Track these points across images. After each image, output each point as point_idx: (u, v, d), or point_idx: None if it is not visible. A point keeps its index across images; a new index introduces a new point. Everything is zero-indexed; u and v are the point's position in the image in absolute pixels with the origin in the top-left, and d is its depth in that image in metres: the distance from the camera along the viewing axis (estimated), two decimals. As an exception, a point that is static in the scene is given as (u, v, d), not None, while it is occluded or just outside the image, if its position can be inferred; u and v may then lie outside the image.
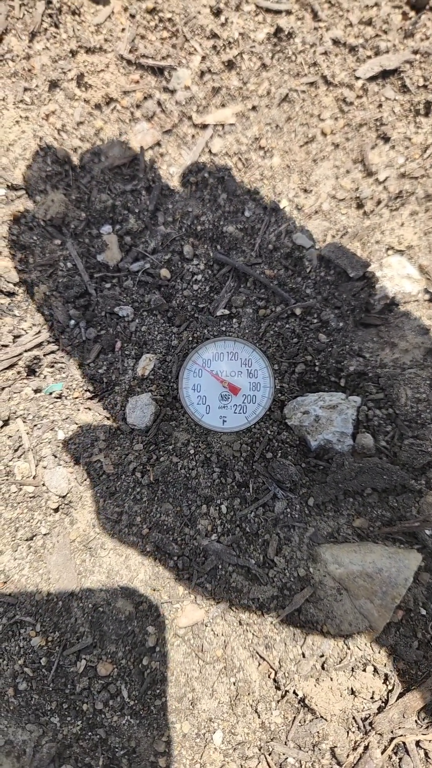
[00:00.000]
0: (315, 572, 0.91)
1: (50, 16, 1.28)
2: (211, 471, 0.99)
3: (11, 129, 1.24)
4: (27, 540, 0.98)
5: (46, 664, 0.91)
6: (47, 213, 1.19)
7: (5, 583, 0.96)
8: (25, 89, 1.26)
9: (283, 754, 0.86)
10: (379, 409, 1.02)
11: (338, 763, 0.85)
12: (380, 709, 0.87)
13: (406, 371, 1.07)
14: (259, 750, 0.87)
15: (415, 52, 1.25)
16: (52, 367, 1.12)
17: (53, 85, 1.28)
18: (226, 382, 1.03)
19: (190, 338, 1.09)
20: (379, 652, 0.89)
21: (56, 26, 1.29)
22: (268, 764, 0.85)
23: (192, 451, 1.00)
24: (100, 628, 0.92)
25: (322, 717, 0.87)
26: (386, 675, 0.88)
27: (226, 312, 1.12)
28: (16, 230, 1.20)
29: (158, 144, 1.31)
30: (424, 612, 0.90)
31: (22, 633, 0.93)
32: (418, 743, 0.85)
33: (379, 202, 1.23)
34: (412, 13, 1.27)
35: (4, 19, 1.26)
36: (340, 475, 0.95)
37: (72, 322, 1.14)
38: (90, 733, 0.88)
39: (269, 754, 0.86)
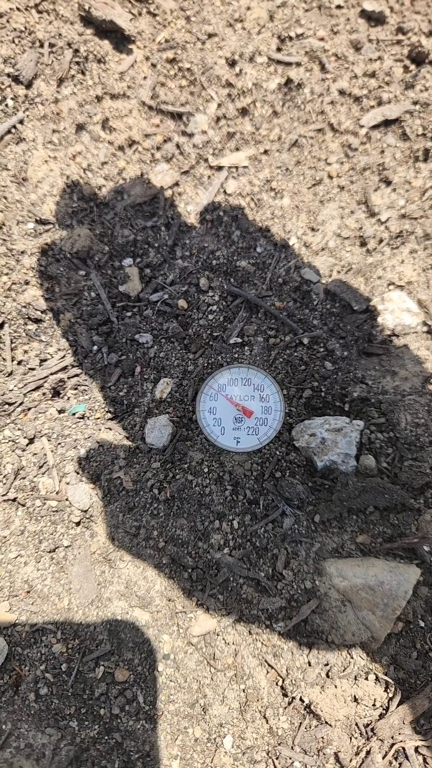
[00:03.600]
0: (320, 585, 0.92)
1: (77, 63, 1.35)
2: (224, 488, 1.01)
3: (40, 167, 1.29)
4: (50, 552, 1.00)
5: (66, 670, 0.92)
6: (73, 246, 1.23)
7: (29, 592, 0.98)
8: (54, 131, 1.32)
9: (290, 758, 0.86)
10: (380, 432, 1.04)
11: (342, 767, 0.86)
12: (381, 716, 0.88)
13: (406, 398, 1.08)
14: (267, 754, 0.87)
15: (415, 103, 1.31)
16: (76, 389, 1.15)
17: (80, 127, 1.34)
18: (240, 406, 1.05)
19: (205, 364, 1.11)
20: (381, 662, 0.90)
21: (83, 73, 1.35)
22: (276, 768, 0.86)
23: (206, 470, 1.03)
24: (118, 635, 0.94)
25: (326, 723, 0.87)
26: (387, 683, 0.89)
27: (239, 340, 1.15)
28: (44, 261, 1.23)
29: (177, 184, 1.35)
30: (422, 624, 0.91)
31: (44, 640, 0.94)
32: (417, 749, 0.86)
33: (381, 241, 1.26)
34: (412, 67, 1.34)
35: (34, 65, 1.32)
36: (345, 494, 0.98)
37: (95, 347, 1.18)
38: (107, 737, 0.89)
39: (277, 758, 0.86)
